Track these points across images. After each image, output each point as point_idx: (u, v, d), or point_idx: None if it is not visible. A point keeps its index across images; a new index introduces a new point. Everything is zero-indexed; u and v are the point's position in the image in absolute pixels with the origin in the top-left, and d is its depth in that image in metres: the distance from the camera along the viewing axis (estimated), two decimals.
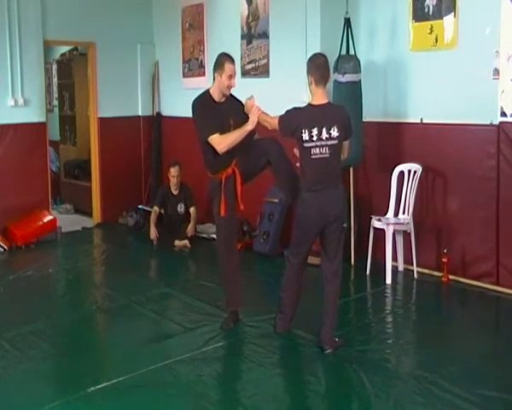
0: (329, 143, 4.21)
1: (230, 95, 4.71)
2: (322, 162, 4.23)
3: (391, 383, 3.95)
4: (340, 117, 4.28)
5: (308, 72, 4.30)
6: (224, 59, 4.62)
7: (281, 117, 4.36)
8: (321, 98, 4.27)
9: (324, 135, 4.19)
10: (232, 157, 4.63)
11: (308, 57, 4.41)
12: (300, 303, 5.18)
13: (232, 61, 4.63)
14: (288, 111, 4.36)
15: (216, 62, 4.65)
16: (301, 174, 4.34)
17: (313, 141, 4.19)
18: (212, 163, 4.68)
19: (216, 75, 4.62)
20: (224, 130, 4.55)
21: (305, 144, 4.21)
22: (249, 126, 4.48)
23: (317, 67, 4.26)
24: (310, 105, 4.33)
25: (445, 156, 5.82)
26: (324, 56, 4.35)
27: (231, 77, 4.57)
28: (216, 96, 4.64)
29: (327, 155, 4.22)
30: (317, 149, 4.21)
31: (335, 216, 4.32)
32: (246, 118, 4.61)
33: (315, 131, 4.18)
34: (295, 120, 4.26)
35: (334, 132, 4.21)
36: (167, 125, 8.74)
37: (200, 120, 4.63)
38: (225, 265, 4.85)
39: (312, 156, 4.22)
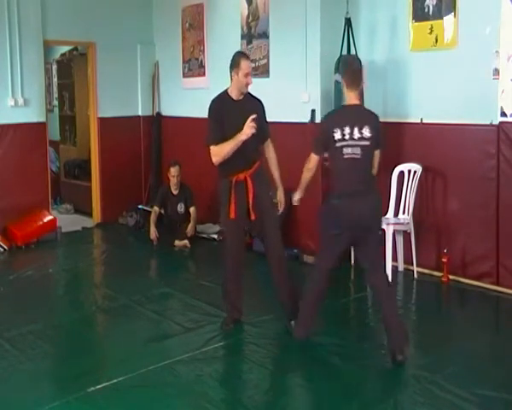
0: (361, 143, 4.12)
1: (249, 93, 4.73)
2: (353, 163, 4.13)
3: (391, 383, 3.96)
4: (372, 120, 4.22)
5: (342, 74, 4.30)
6: (239, 57, 4.68)
7: (313, 147, 4.36)
8: (353, 100, 4.24)
9: (356, 134, 4.11)
10: (243, 166, 4.62)
11: (343, 60, 4.39)
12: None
13: (248, 58, 4.72)
14: (316, 136, 4.37)
15: (232, 61, 4.68)
16: (334, 181, 4.28)
17: (345, 140, 4.11)
18: (223, 165, 4.65)
19: (233, 74, 4.65)
20: (243, 126, 4.54)
21: (337, 144, 4.13)
22: (243, 136, 4.47)
23: (350, 70, 4.26)
24: (343, 106, 4.33)
25: (445, 156, 5.82)
26: (358, 61, 4.35)
27: (248, 74, 4.59)
28: (234, 94, 4.67)
29: (358, 156, 4.13)
30: (350, 149, 4.12)
31: (368, 226, 4.19)
32: (263, 115, 4.72)
33: (347, 130, 4.11)
34: (326, 126, 4.25)
35: (366, 132, 4.13)
36: (167, 125, 8.74)
37: (209, 125, 4.68)
38: (229, 272, 4.81)
39: (345, 156, 4.12)
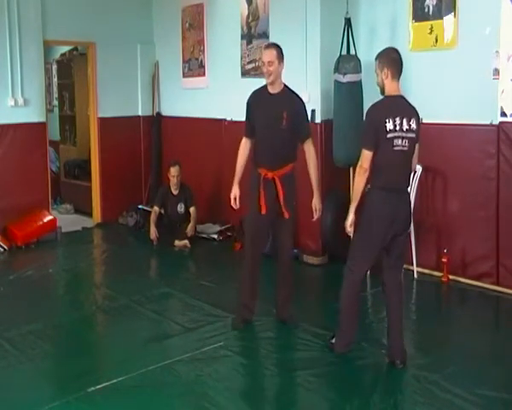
0: (409, 135, 3.98)
1: (288, 88, 4.74)
2: (402, 156, 4.00)
3: (391, 383, 3.96)
4: (415, 112, 4.08)
5: (383, 65, 4.07)
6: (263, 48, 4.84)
7: (364, 143, 4.07)
8: (396, 91, 4.09)
9: (405, 126, 3.98)
10: (271, 162, 4.61)
11: (380, 52, 4.18)
12: (300, 303, 5.19)
13: (268, 47, 4.77)
14: (365, 130, 4.11)
15: None
16: (376, 173, 4.01)
17: (396, 131, 3.95)
18: (254, 154, 4.75)
19: None
20: (274, 122, 4.59)
21: (389, 135, 3.94)
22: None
23: (394, 60, 4.08)
24: (387, 97, 4.11)
25: (445, 156, 5.82)
26: (398, 51, 4.15)
27: (264, 64, 4.65)
28: (269, 87, 4.70)
29: (406, 149, 3.99)
30: (399, 141, 3.96)
31: (405, 225, 4.12)
32: (301, 112, 4.68)
33: (398, 121, 3.97)
34: (375, 117, 4.03)
35: (413, 125, 4.01)
36: (167, 125, 8.74)
37: (245, 116, 4.81)
38: (247, 268, 4.80)
39: (395, 148, 3.96)
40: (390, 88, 4.08)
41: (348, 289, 4.20)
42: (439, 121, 5.85)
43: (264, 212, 4.61)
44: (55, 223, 7.67)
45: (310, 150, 4.72)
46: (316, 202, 4.72)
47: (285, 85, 4.74)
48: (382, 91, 4.14)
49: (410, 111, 4.06)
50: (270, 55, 4.64)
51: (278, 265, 4.82)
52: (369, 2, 6.38)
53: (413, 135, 4.02)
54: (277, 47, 4.78)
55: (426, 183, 5.97)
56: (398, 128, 3.97)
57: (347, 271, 4.20)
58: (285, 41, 6.74)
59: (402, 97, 4.11)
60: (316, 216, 4.76)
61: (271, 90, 4.68)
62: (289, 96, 4.72)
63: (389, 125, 3.96)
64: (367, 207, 4.07)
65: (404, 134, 3.98)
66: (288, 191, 4.63)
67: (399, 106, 4.05)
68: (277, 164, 4.63)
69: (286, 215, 4.64)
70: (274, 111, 4.61)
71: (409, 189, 4.19)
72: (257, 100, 4.74)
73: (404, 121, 3.99)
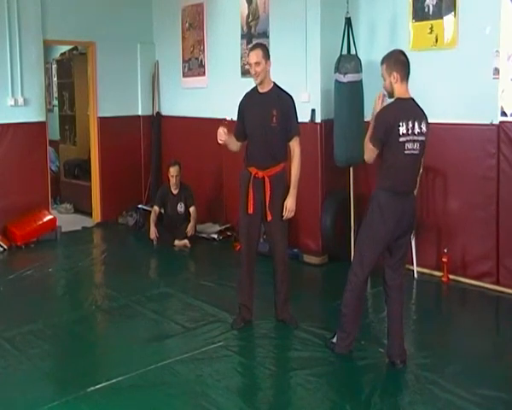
0: (420, 138, 3.96)
1: (277, 86, 4.75)
2: (412, 159, 3.98)
3: (391, 383, 3.96)
4: (424, 115, 4.05)
5: (392, 70, 4.03)
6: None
7: (373, 141, 4.02)
8: (407, 94, 4.06)
9: (416, 129, 3.94)
10: (260, 161, 4.63)
11: (386, 55, 4.12)
12: (300, 303, 5.19)
13: (252, 49, 4.71)
14: (375, 127, 4.01)
15: None
16: (385, 175, 4.02)
17: (409, 134, 3.93)
18: (245, 152, 4.77)
19: None
20: (264, 120, 4.62)
21: (402, 138, 3.92)
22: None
23: (402, 63, 4.04)
24: (399, 99, 4.06)
25: (445, 156, 5.82)
26: (404, 53, 4.11)
27: (251, 66, 4.64)
28: (259, 87, 4.72)
29: (417, 152, 3.97)
30: (411, 144, 3.94)
31: (409, 227, 4.10)
32: (290, 110, 4.67)
33: (410, 124, 3.92)
34: (389, 119, 3.95)
35: (424, 128, 3.98)
36: (167, 124, 8.74)
37: (236, 118, 4.85)
38: (242, 268, 4.84)
39: (406, 151, 3.94)
40: (400, 91, 4.04)
41: (352, 292, 4.18)
42: (439, 121, 5.83)
43: (250, 211, 4.64)
44: (55, 222, 7.67)
45: (295, 150, 4.70)
46: (288, 202, 4.65)
47: (274, 84, 4.75)
48: (390, 95, 4.10)
49: (420, 114, 4.03)
50: (256, 56, 4.61)
51: (274, 266, 4.82)
52: (370, 1, 6.38)
53: (423, 138, 4.01)
54: (263, 47, 4.78)
55: (426, 183, 5.97)
56: (410, 132, 3.95)
57: (352, 274, 4.18)
58: (285, 41, 6.79)
59: (412, 100, 4.08)
60: (285, 216, 4.67)
61: (261, 89, 4.71)
62: (279, 94, 4.72)
63: (402, 129, 3.93)
64: (373, 208, 4.06)
65: (415, 138, 3.96)
66: (275, 194, 4.63)
67: (411, 109, 4.03)
68: (268, 163, 4.64)
69: (269, 217, 4.65)
70: (263, 109, 4.63)
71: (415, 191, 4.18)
72: (247, 101, 4.79)
73: (416, 125, 3.96)
